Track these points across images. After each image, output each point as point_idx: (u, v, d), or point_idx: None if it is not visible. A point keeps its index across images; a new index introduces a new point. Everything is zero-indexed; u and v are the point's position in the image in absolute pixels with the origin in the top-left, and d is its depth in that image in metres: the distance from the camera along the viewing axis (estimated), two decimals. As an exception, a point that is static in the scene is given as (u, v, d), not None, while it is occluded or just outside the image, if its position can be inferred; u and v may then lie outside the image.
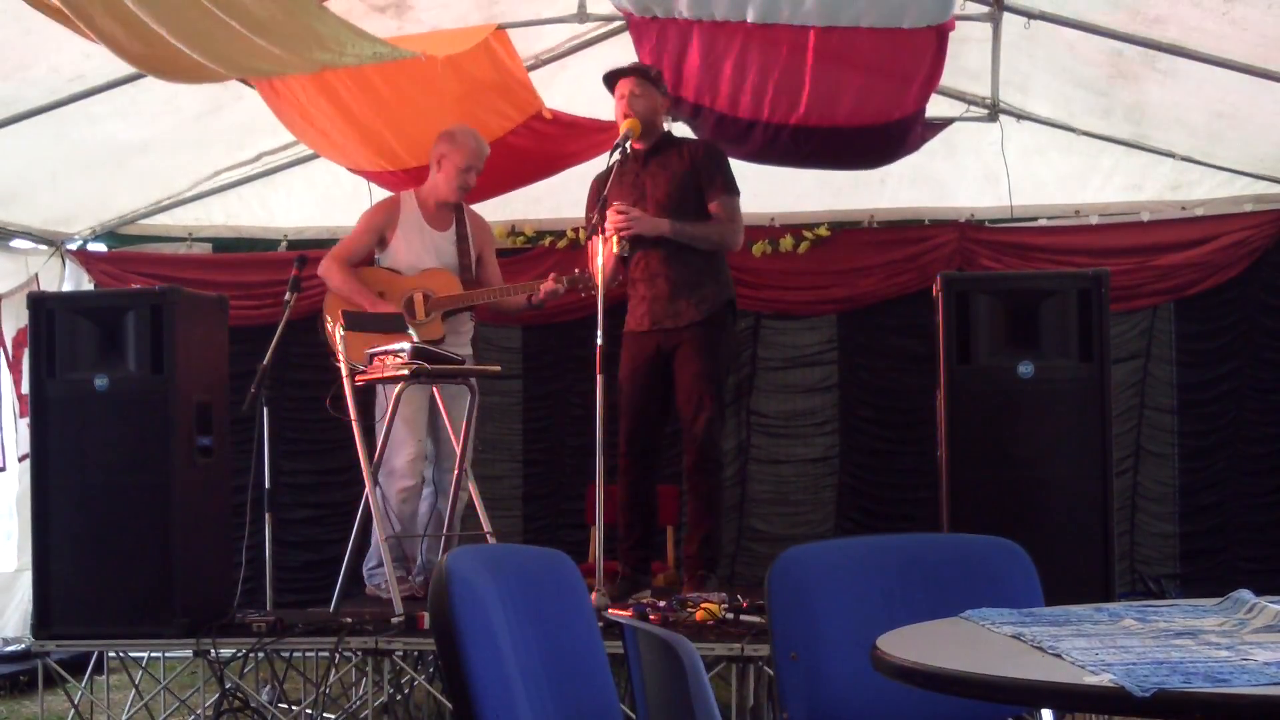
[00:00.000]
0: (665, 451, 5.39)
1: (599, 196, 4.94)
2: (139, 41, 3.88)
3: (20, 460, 6.36)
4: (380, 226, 5.46)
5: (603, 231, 4.89)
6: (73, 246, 6.84)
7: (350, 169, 6.09)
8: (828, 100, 5.32)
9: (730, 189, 5.16)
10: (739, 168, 5.32)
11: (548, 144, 5.83)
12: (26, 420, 6.20)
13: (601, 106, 5.56)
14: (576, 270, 5.40)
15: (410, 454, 5.29)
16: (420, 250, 5.46)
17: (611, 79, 5.17)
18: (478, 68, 5.32)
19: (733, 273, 5.37)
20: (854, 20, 4.87)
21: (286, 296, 5.32)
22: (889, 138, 5.57)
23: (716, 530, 5.16)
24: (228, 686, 4.56)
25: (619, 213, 4.96)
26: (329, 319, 5.15)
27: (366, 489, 4.88)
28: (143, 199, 6.79)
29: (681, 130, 5.77)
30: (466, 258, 5.53)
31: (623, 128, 5.01)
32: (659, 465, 5.30)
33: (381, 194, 5.91)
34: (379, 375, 4.83)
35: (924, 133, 5.70)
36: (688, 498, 5.19)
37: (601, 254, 4.87)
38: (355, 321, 5.01)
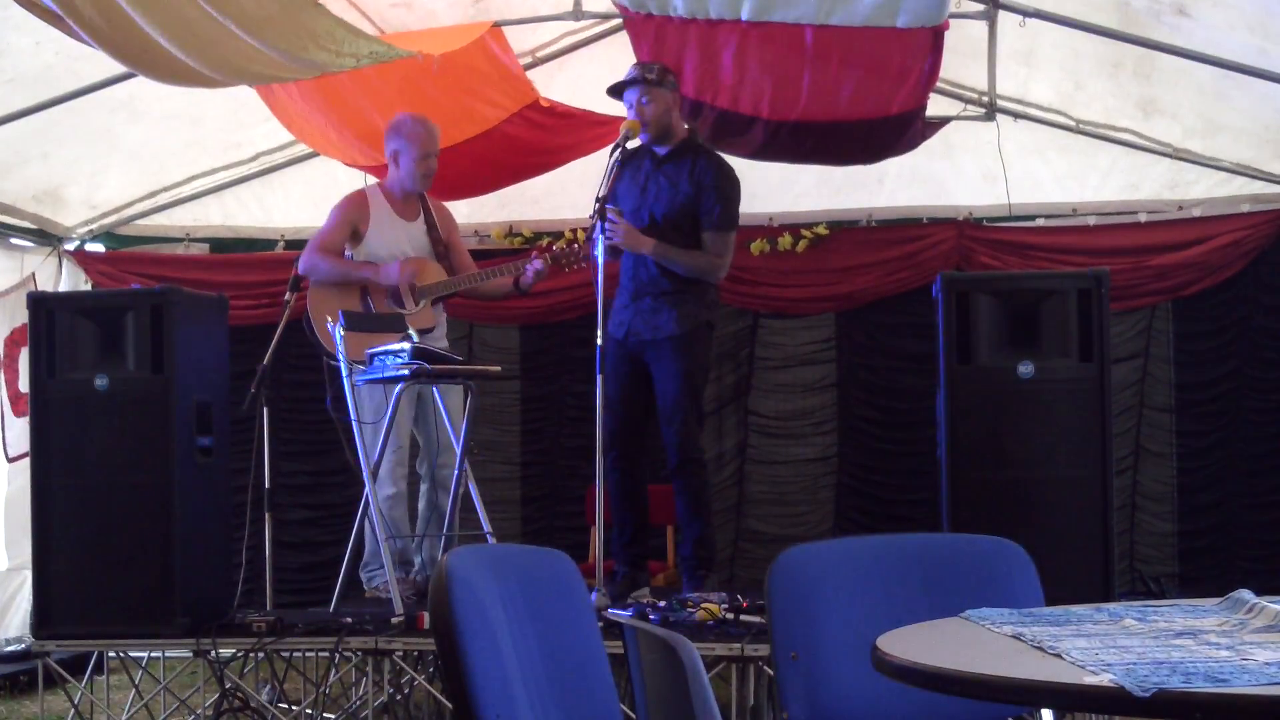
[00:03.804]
0: (652, 449, 5.38)
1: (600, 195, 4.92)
2: (133, 43, 3.88)
3: (11, 460, 6.36)
4: (353, 220, 5.42)
5: (601, 230, 4.89)
6: (70, 247, 6.84)
7: (346, 163, 6.09)
8: (827, 95, 5.31)
9: (726, 224, 5.06)
10: (737, 165, 5.31)
11: (544, 135, 5.82)
12: (21, 420, 6.24)
13: (600, 107, 5.56)
14: (554, 249, 5.37)
15: (390, 461, 5.28)
16: (395, 241, 5.43)
17: (616, 92, 5.12)
18: (472, 61, 5.33)
19: (731, 271, 5.31)
20: (847, 19, 4.87)
21: (286, 296, 5.30)
22: (889, 131, 5.56)
23: (708, 530, 5.15)
24: (228, 686, 4.56)
25: (610, 218, 4.95)
26: (327, 318, 5.13)
27: (367, 489, 4.88)
28: (135, 174, 6.67)
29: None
30: (440, 245, 5.51)
31: (623, 128, 4.99)
32: (644, 462, 5.28)
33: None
34: (379, 375, 4.83)
35: (924, 129, 5.70)
36: (676, 500, 5.20)
37: (602, 254, 4.86)
38: (355, 322, 5.01)
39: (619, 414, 5.12)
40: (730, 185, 5.10)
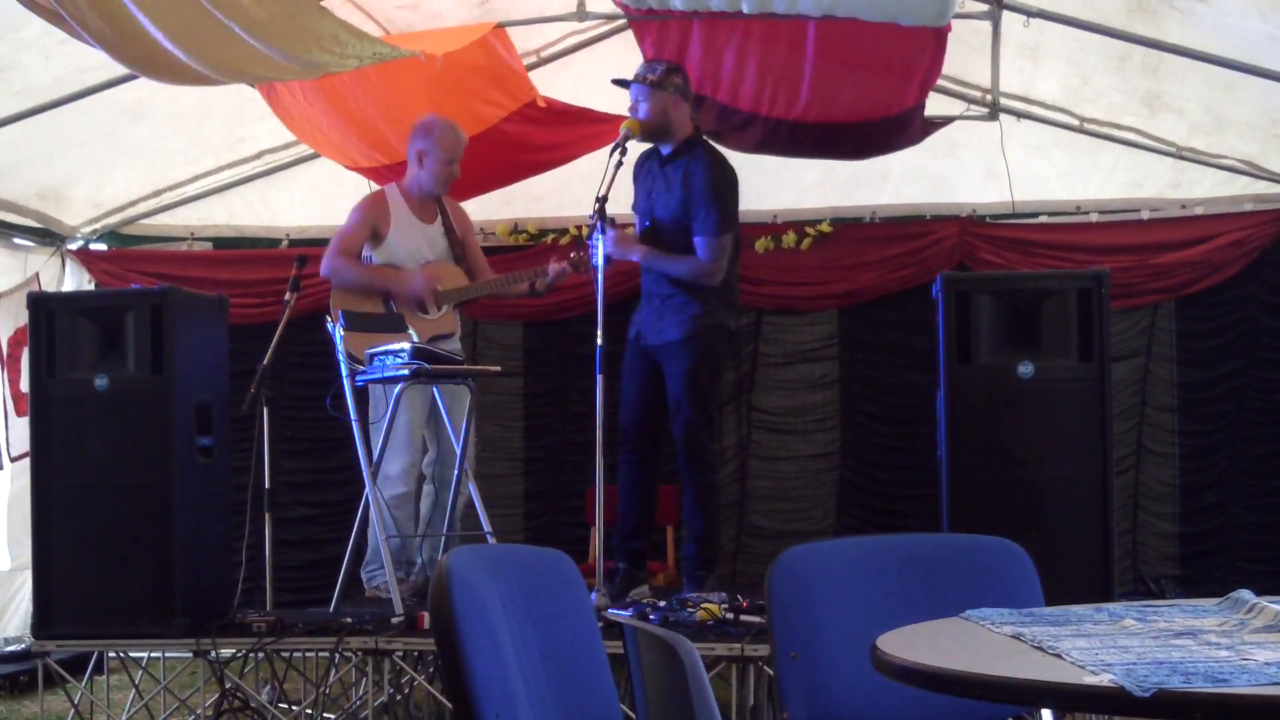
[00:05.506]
0: (665, 447, 5.38)
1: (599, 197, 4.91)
2: (135, 44, 3.88)
3: (14, 460, 6.35)
4: (373, 221, 5.42)
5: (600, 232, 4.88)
6: (73, 246, 6.84)
7: (348, 167, 6.09)
8: (827, 95, 5.30)
9: (719, 229, 4.94)
10: (741, 162, 5.29)
11: (544, 132, 5.81)
12: (23, 419, 6.23)
13: (603, 106, 5.55)
14: (573, 254, 5.40)
15: (404, 462, 5.27)
16: (415, 243, 5.43)
17: (623, 83, 5.11)
18: (473, 59, 5.33)
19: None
20: (850, 11, 4.85)
21: (286, 296, 5.30)
22: (888, 130, 5.55)
23: (711, 530, 5.14)
24: (228, 686, 4.56)
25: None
26: (328, 319, 5.13)
27: (367, 489, 4.88)
28: (140, 173, 6.63)
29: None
30: (458, 248, 5.52)
31: (623, 127, 4.98)
32: (657, 460, 5.28)
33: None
34: (379, 375, 4.83)
35: (924, 127, 5.70)
36: (684, 496, 5.20)
37: (601, 253, 4.86)
38: (355, 322, 5.01)
39: (634, 411, 5.15)
40: (723, 188, 5.00)
